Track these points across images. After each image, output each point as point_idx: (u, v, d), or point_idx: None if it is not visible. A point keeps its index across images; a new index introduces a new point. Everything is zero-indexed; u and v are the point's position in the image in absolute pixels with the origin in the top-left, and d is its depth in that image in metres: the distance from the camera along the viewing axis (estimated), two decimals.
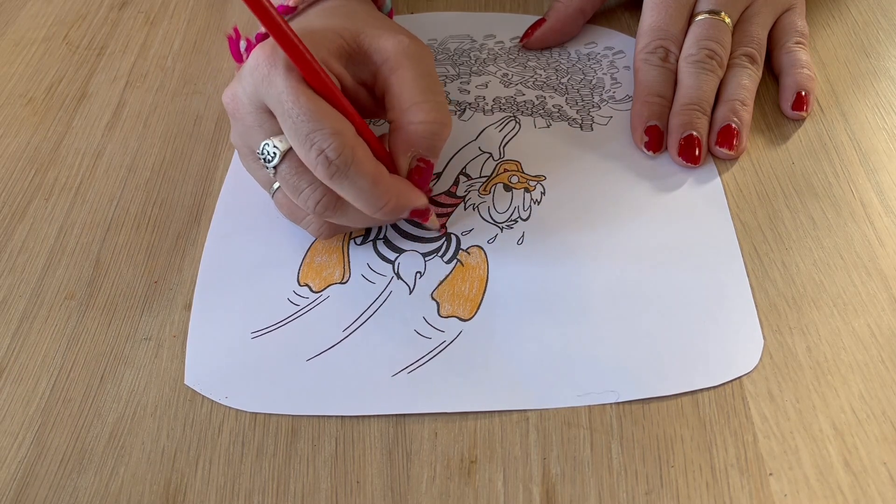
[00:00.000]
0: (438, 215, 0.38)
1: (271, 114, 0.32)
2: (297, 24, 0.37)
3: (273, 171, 0.33)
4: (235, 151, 0.41)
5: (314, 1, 0.38)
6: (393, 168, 0.34)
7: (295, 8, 0.38)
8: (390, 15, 0.42)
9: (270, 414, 0.32)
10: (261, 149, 0.33)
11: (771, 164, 0.39)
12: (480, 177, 0.40)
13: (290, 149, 0.32)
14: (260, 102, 0.32)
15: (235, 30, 0.38)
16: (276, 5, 0.37)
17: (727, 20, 0.41)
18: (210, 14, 0.51)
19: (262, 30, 0.38)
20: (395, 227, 0.38)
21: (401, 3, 0.51)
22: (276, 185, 0.35)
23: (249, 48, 0.37)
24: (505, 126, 0.42)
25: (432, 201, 0.39)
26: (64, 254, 0.38)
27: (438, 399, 0.31)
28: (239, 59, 0.38)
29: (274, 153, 0.32)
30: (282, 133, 0.32)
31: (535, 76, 0.45)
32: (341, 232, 0.37)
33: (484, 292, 0.35)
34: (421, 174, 0.35)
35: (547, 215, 0.38)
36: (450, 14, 0.50)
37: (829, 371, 0.31)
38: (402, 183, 0.34)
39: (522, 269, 0.35)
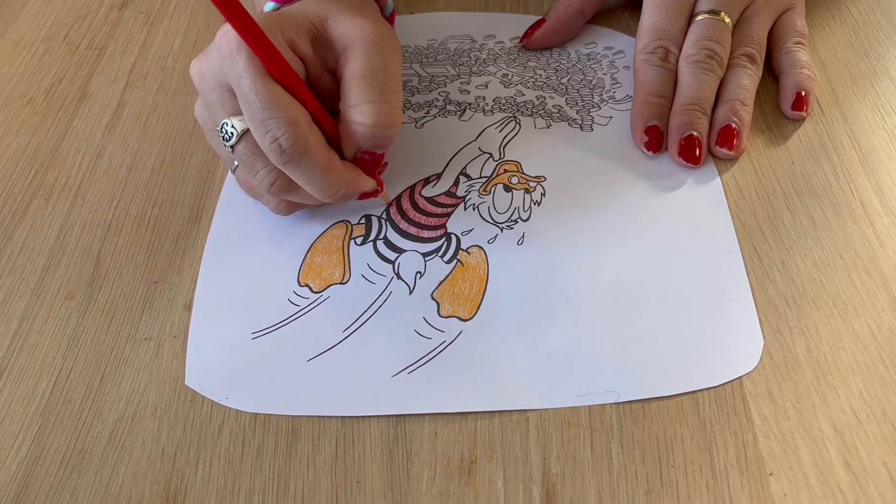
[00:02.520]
0: (438, 215, 0.38)
1: (233, 93, 0.33)
2: (281, 9, 0.37)
3: (231, 150, 0.34)
4: None
5: None
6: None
7: None
8: (392, 17, 0.42)
9: (270, 414, 0.32)
10: (220, 127, 0.33)
11: (771, 164, 0.39)
12: (481, 177, 0.40)
13: (248, 130, 0.33)
14: (223, 81, 0.33)
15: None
16: None
17: (727, 20, 0.41)
18: (210, 14, 0.51)
19: None
20: (395, 227, 0.38)
21: (401, 3, 0.51)
22: (235, 163, 0.36)
23: None
24: (505, 126, 0.42)
25: (433, 202, 0.39)
26: (64, 254, 0.38)
27: (438, 399, 0.31)
28: None
29: (232, 132, 0.33)
30: (241, 113, 0.33)
31: (536, 76, 0.45)
32: (299, 209, 0.38)
33: (484, 292, 0.35)
34: (367, 165, 0.36)
35: (547, 216, 0.38)
36: (450, 14, 0.50)
37: (829, 371, 0.31)
38: (352, 170, 0.35)
39: (522, 270, 0.35)
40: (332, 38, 0.34)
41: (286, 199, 0.36)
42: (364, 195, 0.36)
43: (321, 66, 0.35)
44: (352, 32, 0.34)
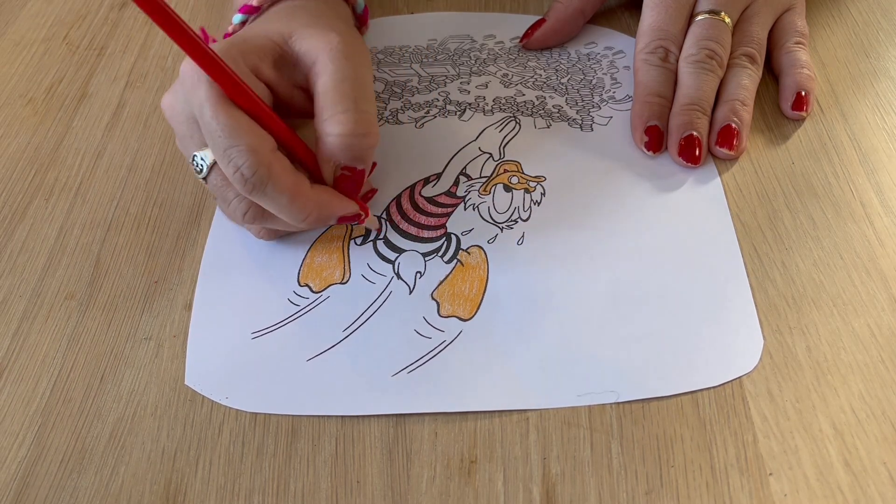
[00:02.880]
0: (438, 215, 0.38)
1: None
2: (242, 30, 0.37)
3: (204, 182, 0.33)
4: None
5: (277, 0, 0.38)
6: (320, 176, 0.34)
7: (259, 8, 0.37)
8: (364, 14, 0.41)
9: (270, 414, 0.32)
10: (191, 159, 0.33)
11: (771, 164, 0.39)
12: (480, 177, 0.40)
13: None
14: (190, 113, 0.32)
15: (203, 30, 0.37)
16: (240, 6, 0.38)
17: (727, 20, 0.41)
18: (210, 14, 0.51)
19: (230, 30, 0.39)
20: (395, 227, 0.38)
21: (401, 3, 0.51)
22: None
23: None
24: (505, 126, 0.42)
25: (433, 201, 0.39)
26: (64, 254, 0.38)
27: (438, 399, 0.31)
28: None
29: (202, 165, 0.33)
30: None
31: (536, 76, 0.45)
32: (282, 235, 0.37)
33: (484, 292, 0.35)
34: (346, 182, 0.34)
35: (547, 216, 0.38)
36: (450, 14, 0.50)
37: (829, 371, 0.31)
38: (324, 193, 0.34)
39: (522, 269, 0.35)
40: (298, 54, 0.34)
41: (261, 226, 0.35)
42: (343, 219, 0.35)
43: (291, 86, 0.35)
44: (317, 46, 0.33)
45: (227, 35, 0.38)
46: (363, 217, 0.36)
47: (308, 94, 0.35)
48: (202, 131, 0.32)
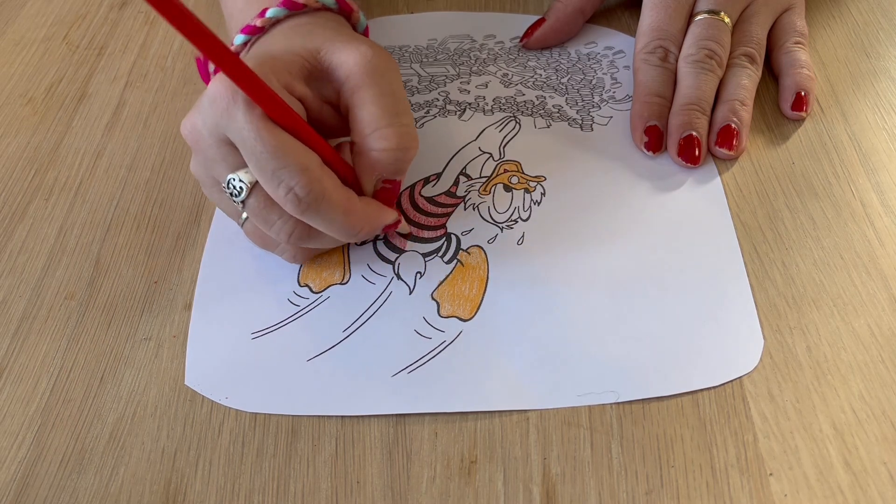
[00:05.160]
0: (438, 215, 0.38)
1: (234, 146, 0.31)
2: (258, 48, 0.36)
3: (241, 205, 0.32)
4: None
5: (280, 20, 0.37)
6: (360, 187, 0.34)
7: (262, 28, 0.36)
8: (365, 33, 0.41)
9: (270, 414, 0.32)
10: (226, 183, 0.32)
11: (771, 164, 0.39)
12: (480, 177, 0.40)
13: (257, 182, 0.31)
14: (221, 135, 0.31)
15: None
16: (242, 27, 0.37)
17: (726, 20, 0.41)
18: (210, 14, 0.51)
19: (231, 49, 0.38)
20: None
21: (401, 3, 0.51)
22: (244, 216, 0.34)
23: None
24: (505, 126, 0.42)
25: (433, 201, 0.39)
26: (64, 254, 0.38)
27: (438, 399, 0.31)
28: (207, 80, 0.37)
29: (241, 188, 0.31)
30: (246, 166, 0.31)
31: (535, 76, 0.45)
32: (317, 254, 0.36)
33: (484, 292, 0.35)
34: (387, 194, 0.35)
35: (547, 216, 0.38)
36: (450, 14, 0.50)
37: (829, 371, 0.31)
38: (372, 205, 0.34)
39: (522, 269, 0.35)
40: (331, 68, 0.33)
41: (304, 246, 0.34)
42: (387, 228, 0.35)
43: (320, 101, 0.34)
44: (351, 59, 0.33)
45: None
46: (400, 223, 0.36)
47: (336, 109, 0.34)
48: (243, 153, 0.30)
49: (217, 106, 0.30)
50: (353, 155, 0.34)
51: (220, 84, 0.30)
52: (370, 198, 0.34)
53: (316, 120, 0.34)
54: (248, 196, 0.32)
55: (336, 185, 0.32)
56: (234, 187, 0.32)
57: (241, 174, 0.31)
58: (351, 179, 0.34)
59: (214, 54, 0.27)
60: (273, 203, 0.32)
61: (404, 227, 0.37)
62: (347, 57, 0.33)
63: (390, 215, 0.35)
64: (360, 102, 0.32)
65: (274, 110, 0.30)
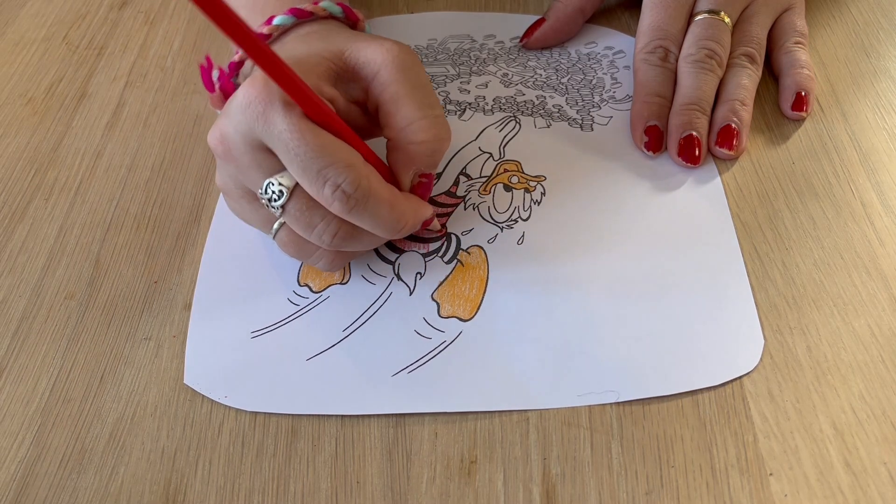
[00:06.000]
0: (438, 215, 0.38)
1: (269, 151, 0.30)
2: (280, 54, 0.36)
3: (280, 211, 0.31)
4: None
5: (287, 29, 0.37)
6: (398, 184, 0.34)
7: (269, 35, 0.36)
8: None
9: (270, 414, 0.32)
10: (264, 189, 0.31)
11: (771, 164, 0.39)
12: (480, 177, 0.40)
13: (297, 185, 0.31)
14: (256, 141, 0.30)
15: (208, 58, 0.36)
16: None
17: (726, 20, 0.41)
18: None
19: (235, 59, 0.37)
20: None
21: (401, 3, 0.51)
22: (276, 226, 0.33)
23: (222, 78, 0.36)
24: (505, 126, 0.42)
25: (432, 201, 0.39)
26: (64, 254, 0.38)
27: (438, 399, 0.31)
28: (211, 88, 0.36)
29: (281, 192, 0.31)
30: (283, 170, 0.31)
31: (536, 76, 0.45)
32: (350, 259, 0.36)
33: (484, 292, 0.35)
34: (423, 189, 0.35)
35: (547, 215, 0.38)
36: (450, 14, 0.50)
37: (830, 371, 0.31)
38: (412, 200, 0.34)
39: (522, 269, 0.35)
40: (357, 66, 0.33)
41: (343, 250, 0.34)
42: (424, 223, 0.35)
43: (347, 102, 0.34)
44: (379, 56, 0.33)
45: (232, 64, 0.37)
46: (433, 220, 0.36)
47: (363, 108, 0.34)
48: (282, 156, 0.30)
49: (251, 110, 0.29)
50: (388, 151, 0.34)
51: (251, 89, 0.30)
52: (408, 193, 0.34)
53: (345, 121, 0.34)
54: (287, 200, 0.31)
55: (380, 180, 0.31)
56: (274, 192, 0.31)
57: (280, 178, 0.31)
58: (386, 177, 0.34)
59: (256, 53, 0.27)
60: (315, 205, 0.31)
61: (435, 224, 0.37)
62: (374, 54, 0.33)
63: (428, 209, 0.35)
64: (393, 97, 0.32)
65: (312, 109, 0.30)
